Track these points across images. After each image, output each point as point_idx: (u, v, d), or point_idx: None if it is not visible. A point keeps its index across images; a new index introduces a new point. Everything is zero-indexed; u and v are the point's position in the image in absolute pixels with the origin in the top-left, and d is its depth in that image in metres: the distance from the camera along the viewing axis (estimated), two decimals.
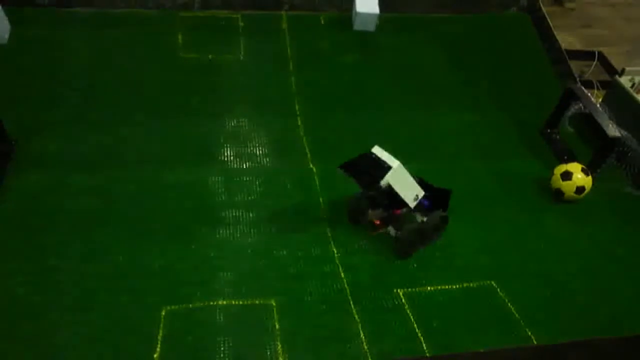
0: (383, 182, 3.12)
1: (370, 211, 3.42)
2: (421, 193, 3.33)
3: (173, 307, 2.91)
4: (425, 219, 3.37)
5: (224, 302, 2.97)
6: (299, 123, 4.26)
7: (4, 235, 3.16)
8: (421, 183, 3.41)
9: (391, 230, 3.40)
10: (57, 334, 2.74)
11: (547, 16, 5.26)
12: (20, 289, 2.92)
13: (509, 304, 3.17)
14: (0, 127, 3.60)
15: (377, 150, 3.22)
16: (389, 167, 3.13)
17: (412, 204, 3.30)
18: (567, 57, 4.99)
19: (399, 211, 3.37)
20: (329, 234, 3.43)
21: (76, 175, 3.57)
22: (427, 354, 2.84)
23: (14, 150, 3.64)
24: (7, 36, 4.33)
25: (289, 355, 2.76)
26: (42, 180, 3.49)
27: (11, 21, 4.38)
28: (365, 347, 2.84)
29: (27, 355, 2.65)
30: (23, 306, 2.84)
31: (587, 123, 4.21)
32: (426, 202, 3.43)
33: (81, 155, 3.74)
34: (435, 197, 3.47)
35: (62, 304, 2.87)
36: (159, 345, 2.73)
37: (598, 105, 4.24)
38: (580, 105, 4.23)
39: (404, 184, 3.22)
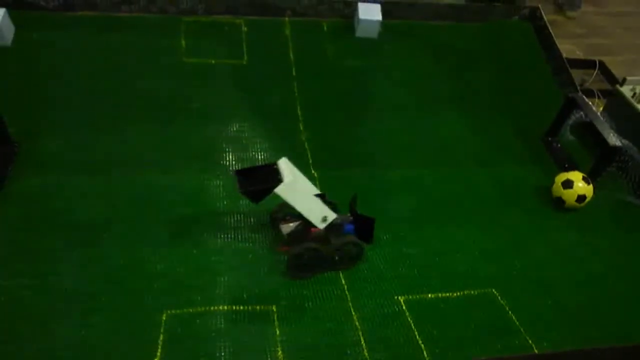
0: (278, 191, 2.92)
1: (281, 224, 3.25)
2: (332, 216, 3.12)
3: (174, 311, 2.91)
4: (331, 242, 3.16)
5: (225, 308, 2.97)
6: (301, 128, 4.27)
7: (6, 238, 3.16)
8: (351, 208, 3.26)
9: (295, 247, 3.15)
10: (57, 337, 2.73)
11: (548, 25, 5.29)
12: (21, 291, 2.91)
13: (510, 312, 3.17)
14: (3, 130, 3.61)
15: (282, 162, 2.99)
16: (280, 181, 2.89)
17: (319, 224, 3.11)
18: (568, 65, 5.01)
19: (313, 230, 3.18)
20: None
21: (78, 179, 3.57)
22: None
23: (17, 153, 3.65)
24: (11, 39, 4.35)
25: None
26: (44, 183, 3.49)
27: (15, 24, 4.40)
28: (366, 354, 2.83)
29: (26, 358, 2.64)
30: (23, 309, 2.84)
31: (588, 132, 4.22)
32: (348, 227, 3.23)
33: (83, 159, 3.74)
34: (359, 224, 3.25)
35: (63, 307, 2.87)
36: (159, 350, 2.72)
37: (599, 114, 4.26)
38: (582, 114, 4.25)
39: (301, 200, 3.01)
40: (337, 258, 3.20)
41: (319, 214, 3.09)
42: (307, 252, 3.11)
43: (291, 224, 3.21)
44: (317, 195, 3.09)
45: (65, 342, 2.71)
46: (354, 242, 3.21)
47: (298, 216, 3.18)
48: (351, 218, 3.28)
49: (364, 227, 3.28)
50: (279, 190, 2.91)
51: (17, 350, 2.66)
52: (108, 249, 3.18)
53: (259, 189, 2.94)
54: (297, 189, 2.97)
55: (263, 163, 3.04)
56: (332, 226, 3.16)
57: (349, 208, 3.31)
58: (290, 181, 2.90)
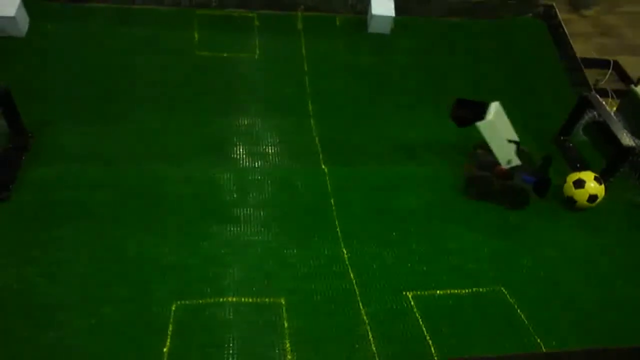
0: (478, 125, 3.51)
1: (477, 149, 3.88)
2: (516, 161, 3.60)
3: (183, 302, 2.93)
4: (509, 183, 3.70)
5: (234, 299, 2.99)
6: (312, 123, 4.27)
7: (19, 227, 3.20)
8: (546, 160, 3.71)
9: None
10: (67, 325, 2.76)
11: (562, 23, 5.24)
12: (33, 279, 2.95)
13: (519, 310, 3.16)
14: (18, 120, 3.64)
15: (495, 105, 3.56)
16: (482, 118, 3.48)
17: (502, 163, 3.61)
18: (582, 65, 4.96)
19: (500, 167, 3.68)
20: (339, 235, 3.44)
21: (90, 170, 3.60)
22: (436, 358, 2.84)
23: (31, 144, 3.68)
24: (25, 30, 4.38)
25: (297, 354, 2.77)
26: (57, 173, 3.52)
27: (30, 15, 4.43)
28: (373, 349, 2.84)
29: (38, 345, 2.68)
30: (35, 297, 2.87)
31: (601, 132, 4.18)
32: (528, 178, 3.69)
33: (95, 149, 3.77)
34: (539, 180, 3.70)
35: (74, 296, 2.90)
36: (168, 340, 2.75)
37: (612, 114, 4.22)
38: (595, 113, 4.21)
39: (495, 140, 3.54)
40: (504, 196, 3.73)
41: (506, 155, 3.59)
42: (478, 180, 3.71)
43: (482, 152, 3.76)
44: (512, 141, 3.60)
45: (75, 331, 2.74)
46: (521, 189, 3.68)
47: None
48: (535, 172, 3.70)
49: (542, 184, 3.72)
50: (479, 124, 3.48)
51: (28, 338, 2.70)
52: (118, 239, 3.21)
53: (464, 118, 3.62)
54: (496, 130, 3.50)
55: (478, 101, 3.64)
56: (515, 170, 3.65)
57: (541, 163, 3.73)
58: (490, 120, 3.45)
